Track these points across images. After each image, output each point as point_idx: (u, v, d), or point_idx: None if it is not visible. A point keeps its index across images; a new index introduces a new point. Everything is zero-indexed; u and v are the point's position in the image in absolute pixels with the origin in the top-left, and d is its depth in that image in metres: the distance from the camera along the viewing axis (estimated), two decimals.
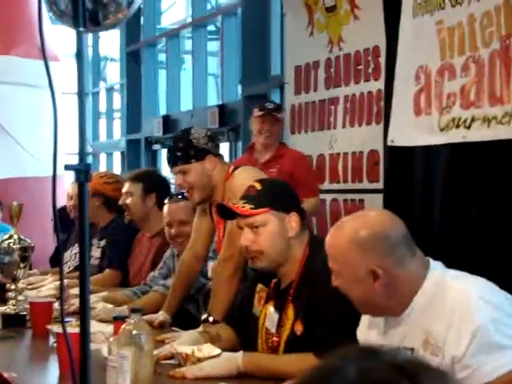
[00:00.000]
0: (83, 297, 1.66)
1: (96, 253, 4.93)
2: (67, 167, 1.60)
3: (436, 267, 2.17)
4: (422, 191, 4.41)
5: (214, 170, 3.43)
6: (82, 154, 1.62)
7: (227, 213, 2.89)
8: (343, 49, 5.36)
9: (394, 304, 2.16)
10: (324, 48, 5.52)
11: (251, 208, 2.77)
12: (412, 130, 4.37)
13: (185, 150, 3.43)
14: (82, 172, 1.60)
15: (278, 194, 2.85)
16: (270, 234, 2.76)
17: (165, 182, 4.70)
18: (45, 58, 1.66)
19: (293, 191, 3.01)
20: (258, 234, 2.76)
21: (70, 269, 5.07)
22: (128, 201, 4.53)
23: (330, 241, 2.22)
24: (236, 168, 3.52)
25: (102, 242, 4.90)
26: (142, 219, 4.55)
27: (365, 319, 2.34)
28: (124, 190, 4.57)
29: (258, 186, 2.82)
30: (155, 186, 4.53)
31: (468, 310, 2.04)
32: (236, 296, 3.33)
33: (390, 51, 4.69)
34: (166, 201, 4.09)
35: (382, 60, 4.90)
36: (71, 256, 5.21)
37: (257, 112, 5.19)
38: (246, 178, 3.38)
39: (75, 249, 5.17)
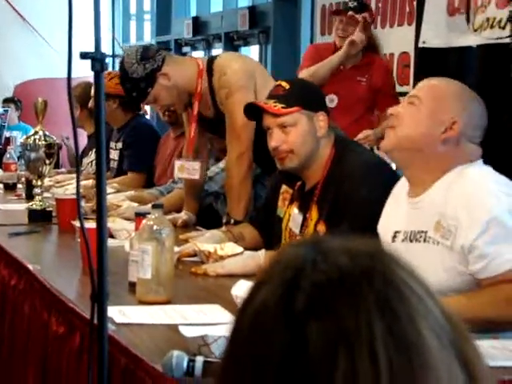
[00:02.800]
0: (100, 191, 1.64)
1: (114, 156, 4.88)
2: (82, 55, 1.56)
3: (482, 166, 2.15)
4: None
5: (171, 78, 3.32)
6: (98, 42, 1.58)
7: (252, 112, 2.84)
8: None
9: (431, 169, 2.14)
10: None
11: (282, 107, 2.71)
12: (445, 30, 4.25)
13: (135, 87, 3.32)
14: (98, 60, 1.56)
15: (306, 93, 2.80)
16: (300, 133, 2.71)
17: None
18: None
19: (319, 90, 2.96)
20: (288, 133, 2.72)
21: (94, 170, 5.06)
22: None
23: (432, 79, 2.27)
24: (212, 58, 3.43)
25: (119, 145, 4.85)
26: (172, 120, 4.45)
27: (387, 207, 2.32)
28: None
29: (286, 85, 2.76)
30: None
31: (485, 199, 2.01)
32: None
33: None
34: None
35: None
36: (89, 162, 5.20)
37: (334, 12, 4.80)
38: (239, 69, 3.32)
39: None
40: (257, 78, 3.30)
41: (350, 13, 4.40)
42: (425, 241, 2.11)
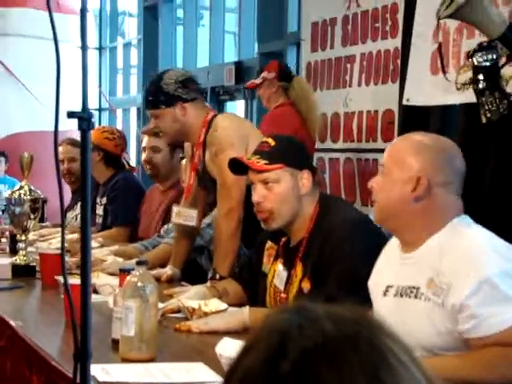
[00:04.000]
0: (85, 248, 1.64)
1: (99, 211, 4.89)
2: (70, 114, 1.57)
3: (465, 218, 2.17)
4: None
5: (186, 115, 3.42)
6: (85, 101, 1.59)
7: (239, 167, 2.86)
8: (361, 5, 5.28)
9: (415, 227, 2.15)
10: (342, 5, 5.44)
11: (265, 164, 2.73)
12: (428, 88, 4.31)
13: (155, 94, 3.43)
14: (85, 120, 1.57)
15: (291, 151, 2.82)
16: (282, 190, 2.73)
17: None
18: (49, 9, 1.63)
19: (305, 148, 2.98)
20: (271, 190, 2.74)
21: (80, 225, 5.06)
22: (154, 157, 4.43)
23: (394, 142, 2.32)
24: (215, 116, 3.49)
25: (104, 200, 4.85)
26: (166, 175, 4.48)
27: (379, 264, 2.33)
28: (146, 144, 4.46)
29: (272, 142, 2.79)
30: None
31: (479, 259, 2.02)
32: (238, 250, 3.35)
33: (408, 8, 4.62)
34: None
35: (400, 17, 4.82)
36: (73, 217, 5.20)
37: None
38: (230, 128, 3.37)
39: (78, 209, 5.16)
40: (250, 141, 3.32)
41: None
42: (416, 297, 2.12)
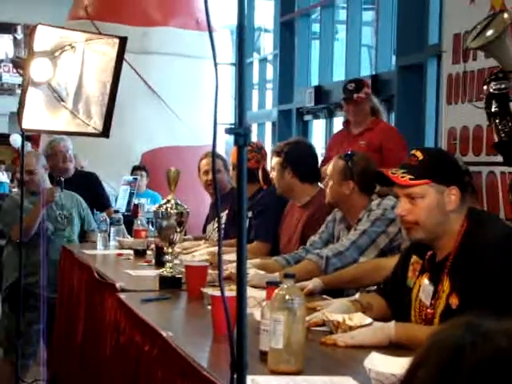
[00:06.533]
0: (240, 261, 1.68)
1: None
2: (227, 131, 1.61)
3: None
4: None
5: None
6: (241, 117, 1.63)
7: (384, 180, 2.84)
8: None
9: None
10: (484, 15, 5.32)
11: (410, 178, 2.69)
12: None
13: None
14: (242, 135, 1.61)
15: (439, 166, 2.75)
16: (427, 206, 2.68)
17: (304, 153, 4.59)
18: (210, 30, 1.67)
19: (456, 163, 2.91)
20: (415, 204, 2.69)
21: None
22: (272, 175, 4.61)
23: None
24: None
25: (249, 214, 4.93)
26: (285, 192, 4.56)
27: None
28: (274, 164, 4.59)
29: (420, 156, 2.72)
30: (291, 159, 4.46)
31: None
32: None
33: None
34: None
35: None
36: (214, 229, 5.31)
37: (342, 95, 5.52)
38: None
39: (222, 219, 5.27)
40: None
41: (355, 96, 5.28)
42: None
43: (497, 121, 3.80)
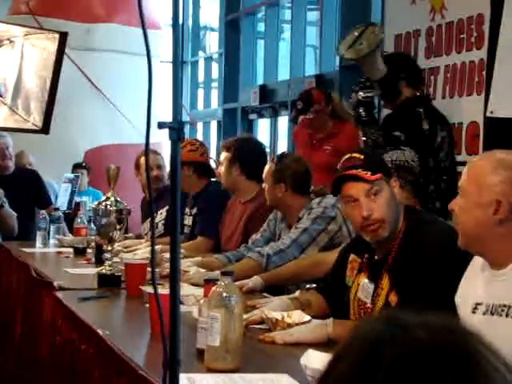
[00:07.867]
0: (174, 257, 1.66)
1: (188, 221, 4.95)
2: (160, 125, 1.60)
3: None
4: None
5: None
6: (176, 112, 1.61)
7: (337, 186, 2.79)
8: (446, 17, 5.21)
9: (501, 250, 2.09)
10: (426, 16, 5.39)
11: (372, 174, 2.68)
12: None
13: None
14: (176, 130, 1.59)
15: (379, 160, 2.80)
16: (385, 200, 2.69)
17: (254, 151, 4.58)
18: (143, 26, 1.65)
19: (383, 157, 2.98)
20: (376, 201, 2.68)
21: (161, 233, 5.14)
22: (219, 170, 4.61)
23: (474, 160, 2.23)
24: None
25: (194, 210, 4.91)
26: (230, 188, 4.57)
27: (467, 278, 2.28)
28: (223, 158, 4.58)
29: (360, 156, 2.72)
30: (240, 156, 4.47)
31: None
32: None
33: (494, 20, 4.54)
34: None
35: (486, 28, 4.74)
36: (159, 222, 5.28)
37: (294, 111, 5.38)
38: None
39: (162, 215, 5.24)
40: None
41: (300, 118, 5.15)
42: (507, 315, 2.07)
43: (366, 127, 4.25)
